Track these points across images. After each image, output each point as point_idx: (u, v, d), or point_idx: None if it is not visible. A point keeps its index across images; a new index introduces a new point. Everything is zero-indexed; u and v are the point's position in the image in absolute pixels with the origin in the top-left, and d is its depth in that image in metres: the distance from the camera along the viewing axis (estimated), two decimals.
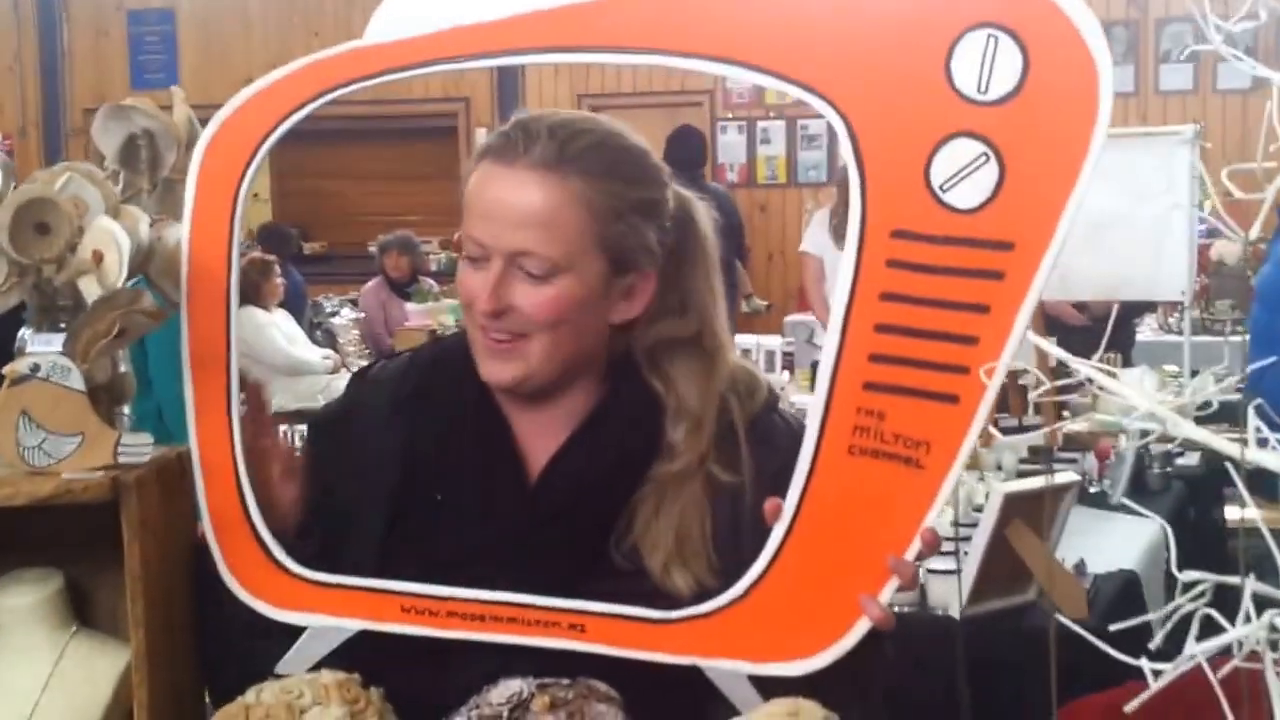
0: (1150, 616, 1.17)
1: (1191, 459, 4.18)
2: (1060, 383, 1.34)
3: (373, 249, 9.83)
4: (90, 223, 1.47)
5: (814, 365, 5.72)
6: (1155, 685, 1.05)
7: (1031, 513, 2.81)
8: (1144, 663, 1.09)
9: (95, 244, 1.45)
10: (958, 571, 2.85)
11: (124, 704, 1.56)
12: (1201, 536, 4.21)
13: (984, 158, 1.38)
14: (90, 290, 1.45)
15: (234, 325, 1.59)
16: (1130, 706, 1.08)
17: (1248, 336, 5.09)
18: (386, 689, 1.52)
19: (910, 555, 1.46)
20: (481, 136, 11.74)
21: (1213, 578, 1.13)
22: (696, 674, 1.53)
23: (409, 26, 1.57)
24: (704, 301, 1.66)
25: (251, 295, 7.10)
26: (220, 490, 1.58)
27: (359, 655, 1.57)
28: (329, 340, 8.64)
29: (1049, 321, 4.98)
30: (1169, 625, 1.15)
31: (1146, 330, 6.72)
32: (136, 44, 12.32)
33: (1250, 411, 1.18)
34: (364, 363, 8.10)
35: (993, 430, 1.95)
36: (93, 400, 1.48)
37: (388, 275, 8.97)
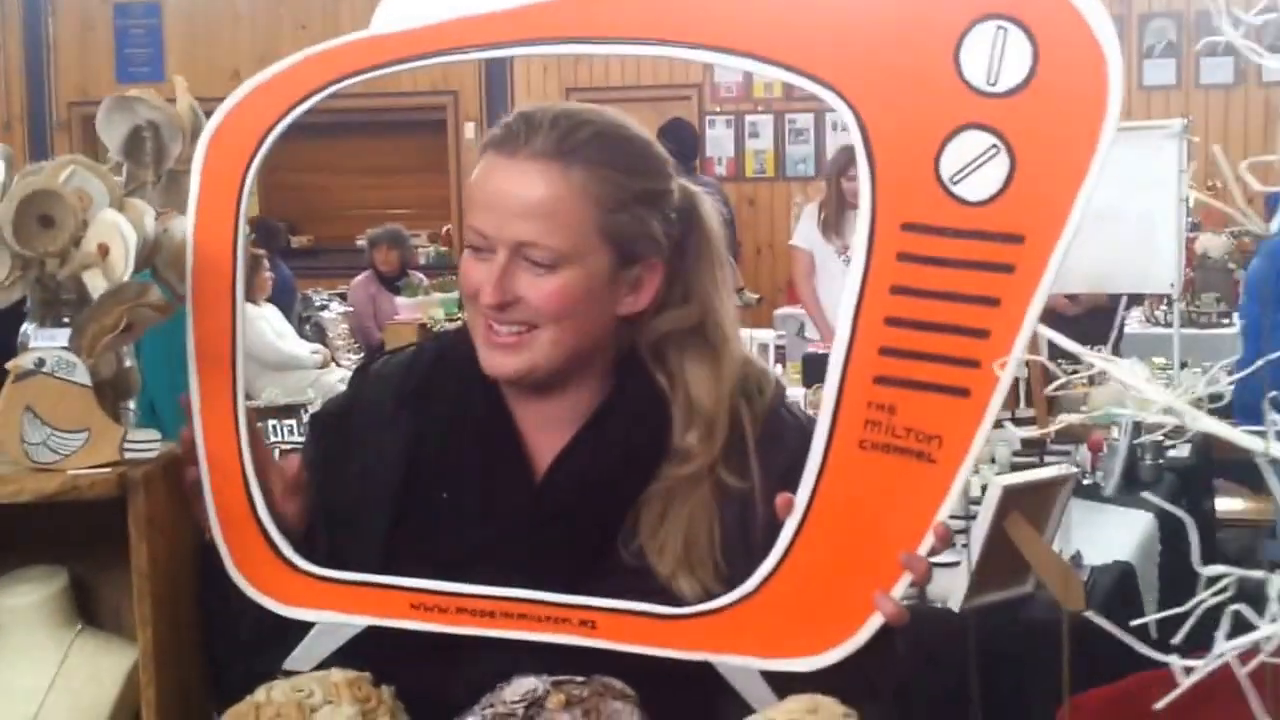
0: (1174, 611, 1.17)
1: (1183, 451, 4.19)
2: (1076, 376, 1.34)
3: (361, 243, 9.80)
4: (95, 216, 1.46)
5: (805, 358, 5.75)
6: (1186, 682, 1.04)
7: (1029, 505, 2.82)
8: (1173, 659, 1.08)
9: (100, 237, 1.44)
10: (957, 564, 2.85)
11: (130, 703, 1.55)
12: (1196, 527, 4.22)
13: (994, 150, 1.38)
14: (96, 284, 1.43)
15: (240, 319, 1.58)
16: (1160, 704, 1.07)
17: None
18: (394, 687, 1.51)
19: (923, 550, 1.45)
20: (470, 130, 11.77)
21: (1237, 572, 1.13)
22: (708, 671, 1.53)
23: (415, 17, 1.56)
24: (708, 293, 1.66)
25: None
26: (227, 486, 1.57)
27: (366, 653, 1.56)
28: (318, 334, 8.61)
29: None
30: (1192, 619, 1.15)
31: (1134, 323, 6.74)
32: (122, 37, 12.27)
33: (1266, 405, 1.18)
34: (354, 357, 8.12)
35: None
36: (98, 396, 1.46)
37: (377, 269, 8.94)
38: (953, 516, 1.45)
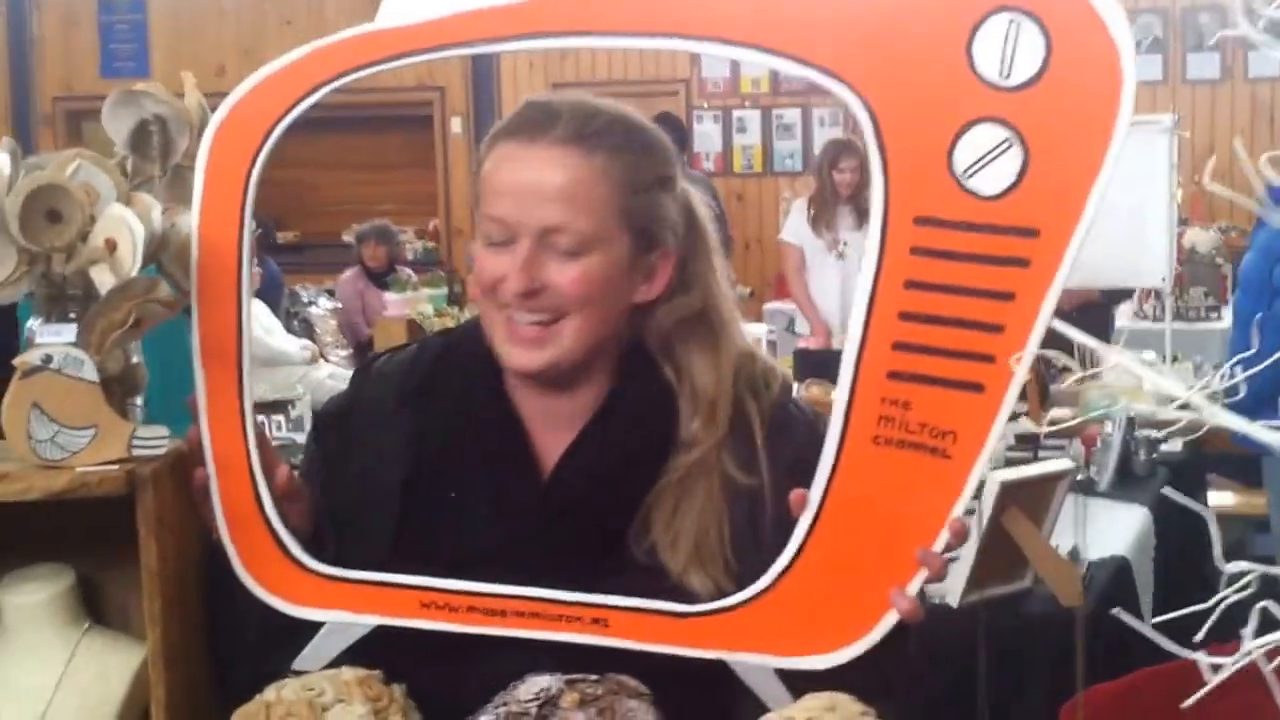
0: (1196, 608, 1.17)
1: (1175, 445, 4.20)
2: (1092, 371, 1.34)
3: (347, 238, 9.77)
4: (101, 210, 1.44)
5: (796, 354, 5.75)
6: (1214, 680, 1.04)
7: (1027, 500, 2.81)
8: (1200, 656, 1.08)
9: (108, 232, 1.43)
10: (955, 559, 2.85)
11: (138, 702, 1.54)
12: (1188, 522, 4.22)
13: (1007, 144, 1.38)
14: (103, 279, 1.42)
15: (246, 315, 1.56)
16: (1188, 704, 1.07)
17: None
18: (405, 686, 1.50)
19: (938, 546, 1.45)
20: (457, 125, 11.75)
21: (1259, 568, 1.12)
22: (721, 669, 1.52)
23: (420, 11, 1.55)
24: (707, 280, 1.66)
25: None
26: (234, 484, 1.56)
27: (375, 652, 1.55)
28: (306, 330, 8.58)
29: None
30: (1215, 616, 1.14)
31: (1122, 318, 6.75)
32: (107, 33, 12.22)
33: None
34: (342, 353, 8.10)
35: None
36: (105, 392, 1.45)
37: (365, 265, 8.91)
38: None
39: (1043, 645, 2.99)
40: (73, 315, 1.47)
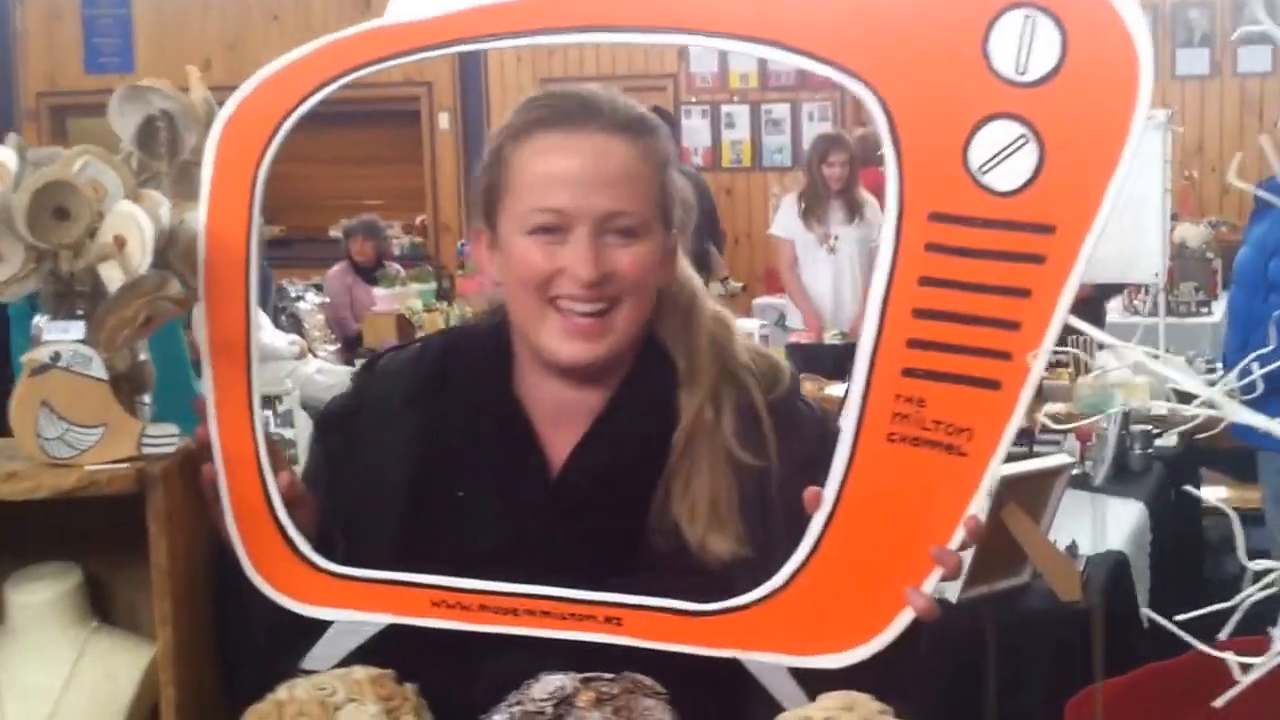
0: (1220, 606, 1.16)
1: (1170, 440, 4.21)
2: (1114, 367, 1.33)
3: (334, 233, 9.74)
4: (109, 207, 1.43)
5: (788, 348, 5.75)
6: (1247, 679, 1.03)
7: (1026, 496, 2.82)
8: (1229, 655, 1.07)
9: (116, 229, 1.41)
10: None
11: (146, 701, 1.53)
12: (1182, 517, 4.25)
13: (1023, 139, 1.37)
14: (112, 277, 1.40)
15: (254, 311, 1.55)
16: (1219, 702, 1.06)
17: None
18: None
19: (954, 544, 1.44)
20: (445, 121, 11.72)
21: None
22: (734, 668, 1.51)
23: (429, 6, 1.54)
24: (678, 254, 1.69)
25: None
26: (242, 482, 1.55)
27: (386, 651, 1.54)
28: (294, 325, 8.55)
29: None
30: (1239, 614, 1.14)
31: (1113, 312, 6.76)
32: (90, 27, 12.19)
33: None
34: (331, 348, 8.07)
35: None
36: (114, 390, 1.44)
37: (353, 260, 8.89)
38: None
39: (1041, 640, 3.00)
40: (80, 312, 1.45)
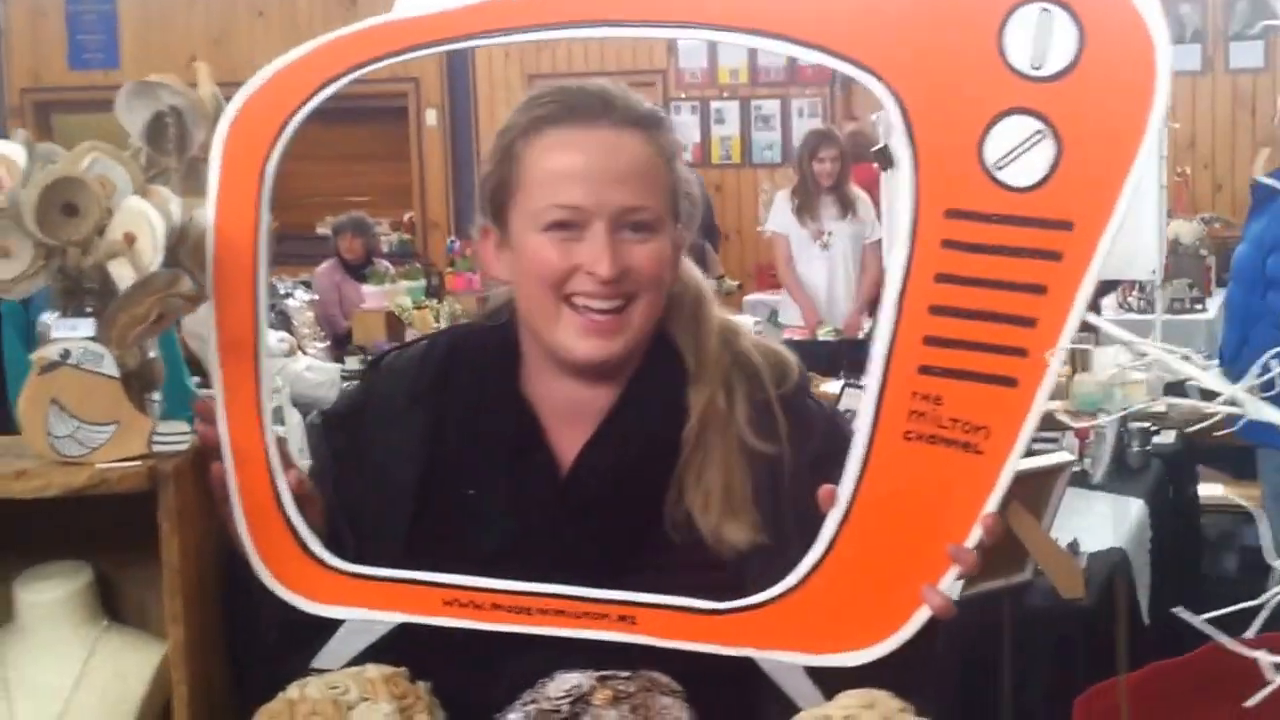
0: (1245, 604, 1.16)
1: (1168, 437, 4.21)
2: (1135, 364, 1.32)
3: (322, 231, 9.71)
4: (118, 204, 1.42)
5: (782, 344, 5.73)
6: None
7: (1027, 493, 2.82)
8: (1261, 655, 1.07)
9: (126, 225, 1.40)
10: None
11: (157, 700, 1.52)
12: (1181, 514, 4.25)
13: (1039, 135, 1.36)
14: (122, 274, 1.39)
15: (263, 308, 1.54)
16: (1252, 702, 1.06)
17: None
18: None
19: (970, 542, 1.44)
20: (432, 118, 11.70)
21: None
22: (747, 667, 1.50)
23: (438, 0, 1.53)
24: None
25: None
26: (252, 480, 1.53)
27: (394, 650, 1.53)
28: (283, 322, 8.52)
29: None
30: (1266, 611, 1.14)
31: (1107, 310, 6.77)
32: (74, 23, 12.14)
33: None
34: (320, 345, 8.05)
35: None
36: (124, 387, 1.43)
37: (342, 257, 8.86)
38: None
39: (1043, 638, 3.00)
40: (89, 309, 1.44)
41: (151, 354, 1.49)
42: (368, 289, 8.36)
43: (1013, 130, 1.37)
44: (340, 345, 7.64)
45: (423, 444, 1.64)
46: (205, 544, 1.51)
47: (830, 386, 4.64)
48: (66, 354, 1.41)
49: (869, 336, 6.27)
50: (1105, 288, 6.57)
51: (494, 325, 1.70)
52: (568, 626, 1.51)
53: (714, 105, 10.84)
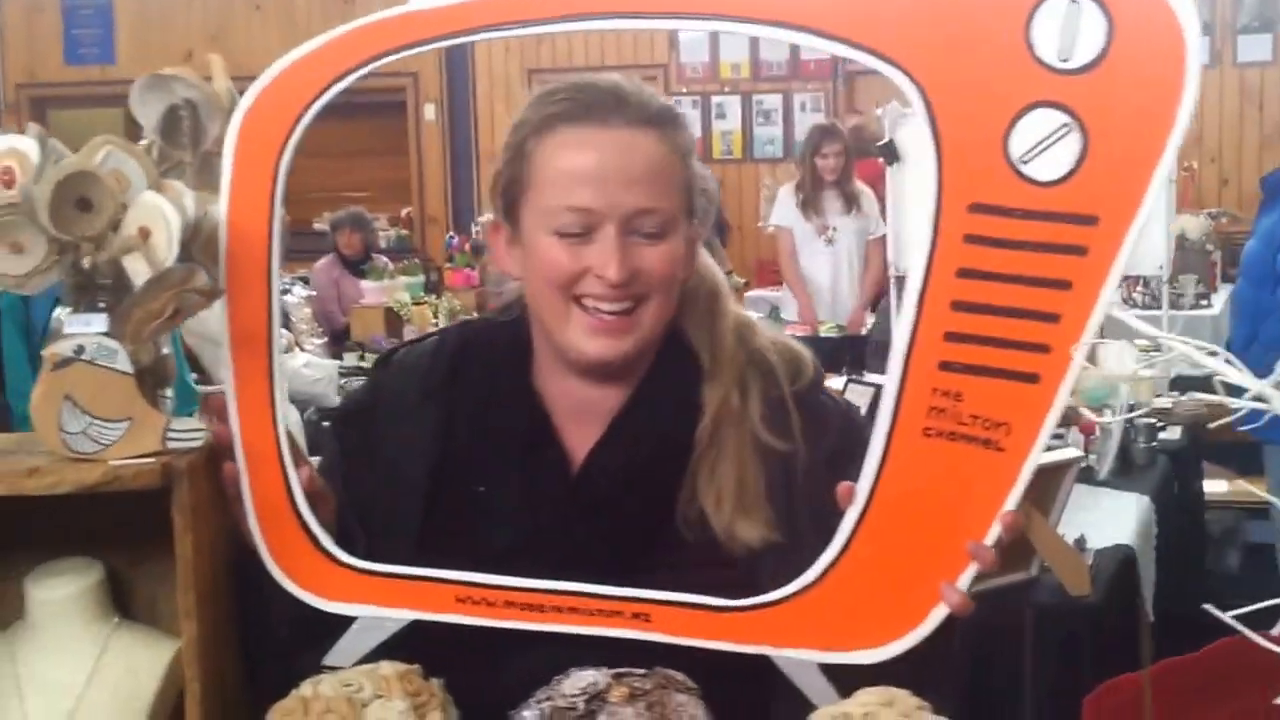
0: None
1: (1174, 433, 4.20)
2: (1153, 360, 1.31)
3: (319, 226, 9.69)
4: (132, 198, 1.40)
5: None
6: None
7: (1035, 489, 2.81)
8: None
9: (141, 220, 1.39)
10: None
11: (169, 697, 1.51)
12: (1185, 510, 4.25)
13: (1066, 128, 1.35)
14: (137, 269, 1.38)
15: (276, 304, 1.53)
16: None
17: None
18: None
19: (989, 540, 1.42)
20: (431, 112, 11.68)
21: None
22: (761, 664, 1.49)
23: None
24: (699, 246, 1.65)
25: None
26: (264, 476, 1.52)
27: (404, 647, 1.52)
28: (281, 319, 8.51)
29: None
30: None
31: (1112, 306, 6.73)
32: (70, 18, 12.12)
33: None
34: (318, 341, 8.03)
35: None
36: (138, 384, 1.41)
37: (340, 253, 8.85)
38: None
39: (1050, 635, 2.99)
40: (102, 305, 1.43)
41: (165, 350, 1.48)
42: (366, 285, 8.34)
43: (1039, 123, 1.35)
44: (338, 341, 7.63)
45: (434, 440, 1.63)
46: (218, 540, 1.50)
47: (834, 383, 4.63)
48: (80, 350, 1.39)
49: (871, 332, 6.30)
50: None
51: (505, 321, 1.68)
52: (581, 624, 1.50)
53: (715, 100, 10.81)
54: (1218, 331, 5.99)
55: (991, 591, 3.01)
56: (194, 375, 3.36)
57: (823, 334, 6.42)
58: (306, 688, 1.40)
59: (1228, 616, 1.14)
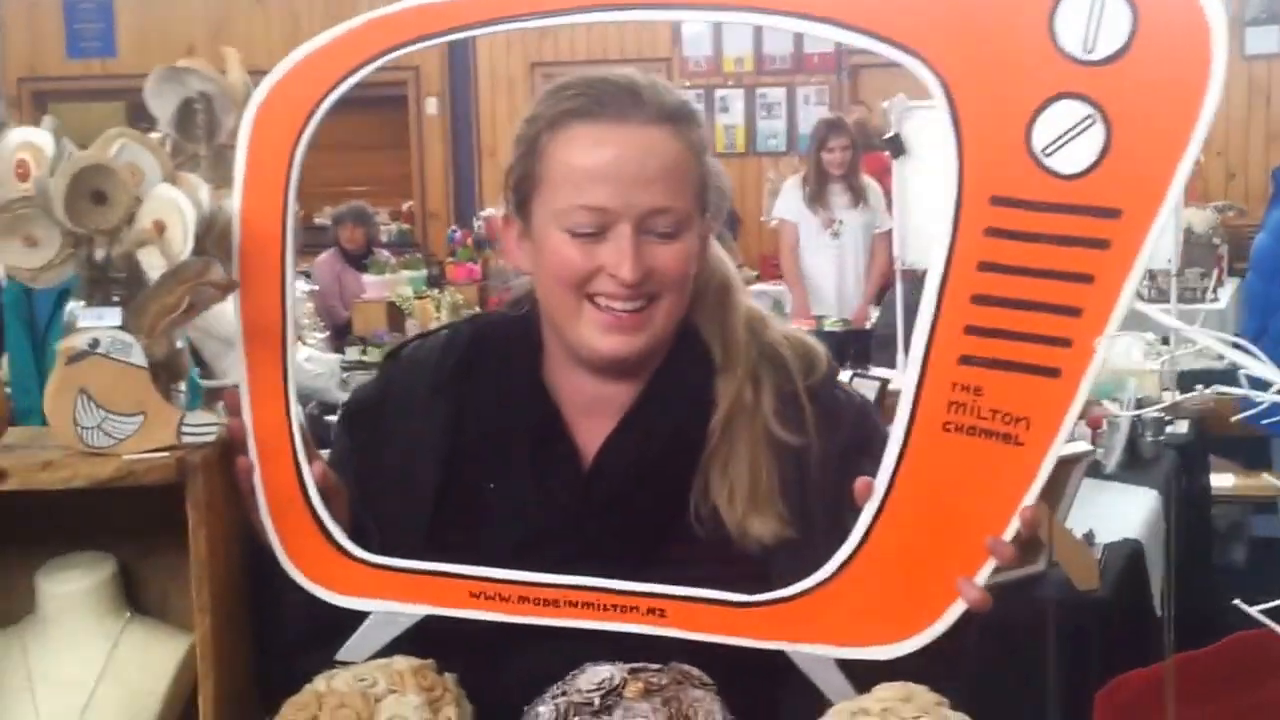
0: None
1: (1181, 427, 4.18)
2: (1184, 352, 1.30)
3: (320, 221, 9.68)
4: (148, 191, 1.39)
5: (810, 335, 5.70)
6: None
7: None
8: None
9: (156, 213, 1.38)
10: None
11: (181, 692, 1.50)
12: (1192, 505, 4.24)
13: (1090, 120, 1.33)
14: (152, 262, 1.37)
15: (289, 298, 1.52)
16: None
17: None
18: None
19: (1008, 535, 1.41)
20: (433, 106, 11.66)
21: None
22: (775, 660, 1.48)
23: None
24: (710, 239, 1.65)
25: None
26: (277, 471, 1.51)
27: (416, 645, 1.51)
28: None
29: None
30: None
31: None
32: (71, 12, 12.11)
33: None
34: (320, 335, 8.02)
35: None
36: (152, 378, 1.40)
37: (342, 247, 8.84)
38: None
39: (1058, 628, 2.98)
40: (116, 299, 1.42)
41: (179, 344, 1.47)
42: (368, 279, 8.33)
43: (1062, 115, 1.34)
44: (340, 336, 7.61)
45: (444, 435, 1.62)
46: (232, 535, 1.49)
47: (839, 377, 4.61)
48: (95, 343, 1.38)
49: (875, 326, 6.28)
50: None
51: (516, 316, 1.67)
52: (596, 619, 1.49)
53: (719, 94, 10.78)
54: (1224, 326, 5.98)
55: (999, 586, 3.00)
56: (195, 369, 3.36)
57: (827, 328, 6.40)
58: (320, 682, 1.40)
59: (1255, 611, 1.13)
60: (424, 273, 8.65)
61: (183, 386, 1.49)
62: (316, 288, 8.80)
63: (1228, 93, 1.27)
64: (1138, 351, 3.96)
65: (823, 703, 1.41)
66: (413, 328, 7.05)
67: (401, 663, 1.42)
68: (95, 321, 1.41)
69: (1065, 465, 3.04)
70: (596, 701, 1.37)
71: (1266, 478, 2.34)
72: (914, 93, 4.60)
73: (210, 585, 1.43)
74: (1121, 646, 3.01)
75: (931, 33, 1.38)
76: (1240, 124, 9.47)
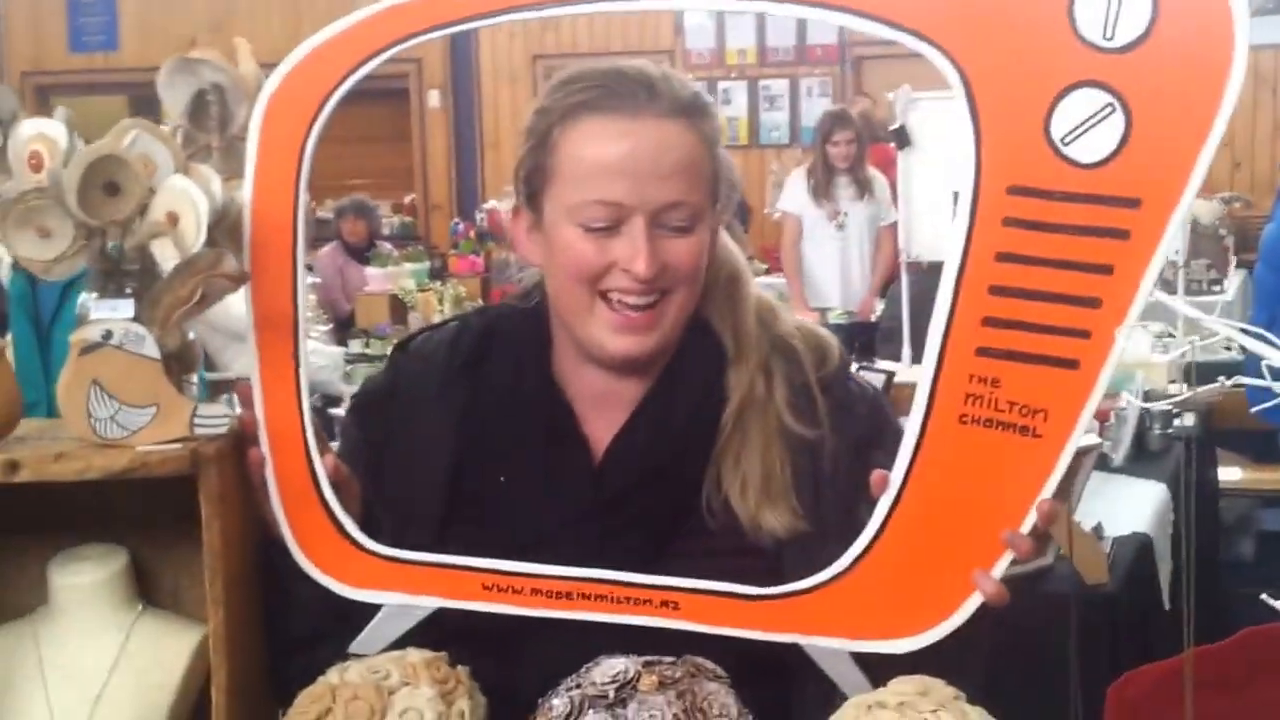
0: None
1: (1189, 420, 4.17)
2: (1202, 343, 1.29)
3: (322, 214, 9.68)
4: (160, 183, 1.39)
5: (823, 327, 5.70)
6: None
7: None
8: None
9: (169, 205, 1.37)
10: None
11: (195, 684, 1.50)
12: (1200, 498, 4.22)
13: (1109, 109, 1.32)
14: (165, 254, 1.36)
15: (301, 288, 1.51)
16: None
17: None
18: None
19: (1025, 528, 1.40)
20: (435, 99, 11.65)
21: None
22: (789, 653, 1.48)
23: None
24: (719, 230, 1.63)
25: None
26: (289, 462, 1.50)
27: (426, 638, 1.50)
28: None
29: None
30: None
31: None
32: (74, 7, 12.10)
33: None
34: (322, 328, 8.01)
35: None
36: (165, 369, 1.40)
37: (344, 240, 8.84)
38: None
39: (1065, 623, 2.97)
40: (129, 290, 1.41)
41: (191, 336, 1.46)
42: (371, 272, 8.33)
43: (1081, 103, 1.32)
44: (343, 328, 7.62)
45: (454, 429, 1.61)
46: (245, 527, 1.49)
47: None
48: (109, 335, 1.38)
49: (881, 319, 6.28)
50: None
51: (526, 308, 1.66)
52: (609, 612, 1.48)
53: (721, 86, 10.76)
54: (1231, 318, 5.95)
55: (1009, 579, 2.98)
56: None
57: (832, 320, 6.40)
58: (334, 674, 1.39)
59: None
60: (426, 265, 8.65)
61: (195, 378, 1.48)
62: (319, 281, 8.81)
63: None
64: (1145, 344, 3.96)
65: (840, 697, 1.40)
66: (415, 320, 7.05)
67: (415, 655, 1.42)
68: (109, 313, 1.40)
69: (1073, 458, 3.03)
70: (611, 694, 1.36)
71: (1241, 473, 2.32)
72: (918, 84, 4.59)
73: (223, 577, 1.42)
74: (1130, 640, 3.01)
75: (949, 20, 1.36)
76: (1246, 115, 9.43)
